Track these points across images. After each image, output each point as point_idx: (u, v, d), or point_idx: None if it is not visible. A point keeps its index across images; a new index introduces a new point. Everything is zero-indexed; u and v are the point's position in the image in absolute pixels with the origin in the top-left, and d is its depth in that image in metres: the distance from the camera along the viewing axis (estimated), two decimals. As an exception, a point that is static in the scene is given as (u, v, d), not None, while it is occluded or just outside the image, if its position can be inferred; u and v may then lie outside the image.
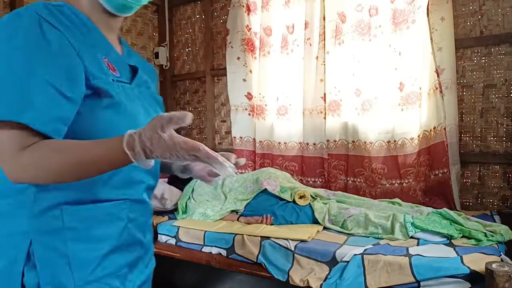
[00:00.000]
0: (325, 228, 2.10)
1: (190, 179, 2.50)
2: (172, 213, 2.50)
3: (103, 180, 0.75)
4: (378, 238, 1.91)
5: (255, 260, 1.92)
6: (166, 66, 3.86)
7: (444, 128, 2.55)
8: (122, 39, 0.94)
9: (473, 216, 2.09)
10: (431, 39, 2.55)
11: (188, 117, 0.60)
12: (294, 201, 2.27)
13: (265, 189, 2.34)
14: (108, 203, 0.78)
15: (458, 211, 2.31)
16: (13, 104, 0.64)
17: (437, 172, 2.59)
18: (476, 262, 1.50)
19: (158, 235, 2.26)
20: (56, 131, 0.67)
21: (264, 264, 1.90)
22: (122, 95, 0.77)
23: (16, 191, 0.73)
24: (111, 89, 0.75)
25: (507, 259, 1.54)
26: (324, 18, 2.89)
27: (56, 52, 0.68)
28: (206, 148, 0.61)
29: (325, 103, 2.91)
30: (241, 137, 3.32)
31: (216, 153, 0.64)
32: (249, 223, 2.20)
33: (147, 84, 0.90)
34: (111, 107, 0.75)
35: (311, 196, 2.31)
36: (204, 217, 2.32)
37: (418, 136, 2.57)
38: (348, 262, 1.69)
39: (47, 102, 0.66)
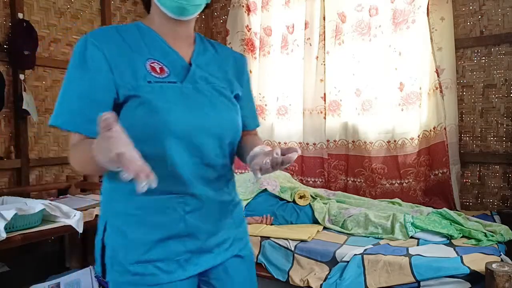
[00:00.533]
0: (325, 228, 2.10)
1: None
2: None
3: (161, 175, 0.78)
4: (378, 238, 1.91)
5: (255, 260, 1.92)
6: (166, 66, 3.85)
7: (444, 128, 2.55)
8: (202, 40, 1.02)
9: (473, 216, 2.09)
10: (431, 39, 2.55)
11: (103, 117, 0.64)
12: (294, 201, 2.27)
13: (265, 189, 2.34)
14: (164, 196, 0.87)
15: (458, 211, 2.31)
16: (56, 111, 0.84)
17: (437, 172, 2.59)
18: (476, 262, 1.50)
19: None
20: (89, 131, 0.81)
21: (264, 264, 1.90)
22: (155, 94, 0.85)
23: (107, 179, 0.93)
24: (140, 91, 0.84)
25: (507, 259, 1.54)
26: (324, 18, 2.89)
27: (90, 68, 0.83)
28: (121, 133, 0.64)
29: (325, 103, 2.91)
30: (241, 137, 3.32)
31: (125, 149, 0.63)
32: (249, 223, 2.20)
33: (206, 80, 0.94)
34: (141, 106, 0.84)
35: (311, 196, 2.31)
36: (204, 217, 2.32)
37: (418, 136, 2.57)
38: (348, 262, 1.69)
39: (79, 108, 0.83)
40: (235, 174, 1.06)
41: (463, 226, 1.85)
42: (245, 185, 2.43)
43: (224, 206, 0.98)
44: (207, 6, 0.96)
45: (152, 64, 0.88)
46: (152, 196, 0.86)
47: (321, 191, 2.47)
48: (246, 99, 1.05)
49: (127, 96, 0.84)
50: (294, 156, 0.79)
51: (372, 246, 1.79)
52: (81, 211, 1.75)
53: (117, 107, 0.85)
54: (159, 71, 0.88)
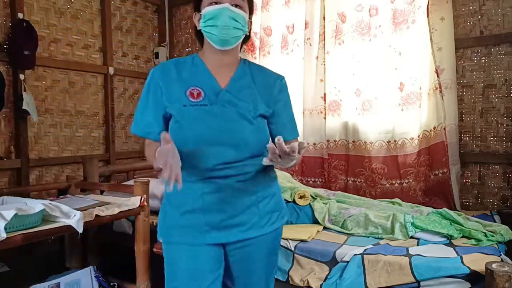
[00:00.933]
0: (325, 228, 2.10)
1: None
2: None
3: (190, 167, 1.17)
4: (378, 238, 1.91)
5: (255, 260, 1.92)
6: (166, 66, 3.86)
7: (444, 128, 2.55)
8: (244, 65, 1.29)
9: (473, 216, 2.09)
10: (431, 39, 2.55)
11: (163, 136, 1.01)
12: (294, 201, 2.27)
13: (265, 189, 2.33)
14: (190, 182, 1.19)
15: (458, 211, 2.31)
16: (133, 123, 1.28)
17: (437, 172, 2.59)
18: (476, 262, 1.50)
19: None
20: (150, 135, 1.23)
21: (264, 264, 1.89)
22: (186, 118, 1.18)
23: None
24: (176, 112, 1.19)
25: (507, 259, 1.54)
26: (324, 18, 2.89)
27: (151, 94, 1.23)
28: (172, 148, 1.01)
29: (325, 103, 2.91)
30: (241, 137, 3.32)
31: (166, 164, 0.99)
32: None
33: (232, 103, 1.21)
34: (175, 122, 1.20)
35: (311, 196, 2.31)
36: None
37: (418, 136, 2.57)
38: (348, 262, 1.69)
39: (143, 121, 1.24)
40: (271, 173, 1.31)
41: (463, 226, 1.85)
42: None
43: (245, 196, 1.22)
44: (248, 36, 1.28)
45: (192, 91, 1.20)
46: (183, 183, 1.12)
47: (321, 191, 2.47)
48: (280, 115, 1.29)
49: (170, 114, 1.21)
50: (295, 145, 0.96)
51: (372, 246, 1.79)
52: (81, 211, 1.74)
53: (168, 120, 1.22)
54: (196, 96, 1.20)
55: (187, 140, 1.15)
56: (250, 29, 1.28)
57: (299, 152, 0.99)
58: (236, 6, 1.19)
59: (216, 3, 1.19)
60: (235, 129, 1.19)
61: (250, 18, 1.26)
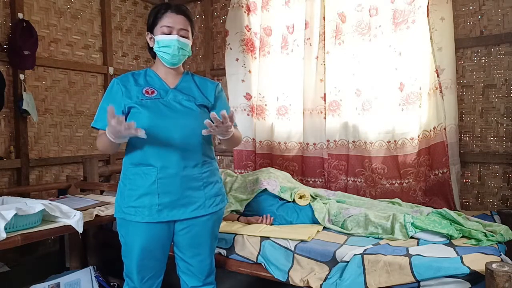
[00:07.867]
0: (325, 228, 2.10)
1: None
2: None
3: (142, 154, 1.45)
4: (378, 238, 1.91)
5: (255, 260, 1.92)
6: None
7: (444, 128, 2.55)
8: (187, 74, 1.64)
9: (473, 216, 2.08)
10: (431, 39, 2.55)
11: (110, 109, 1.24)
12: (294, 201, 2.27)
13: (265, 189, 2.33)
14: (146, 167, 1.45)
15: (458, 211, 2.31)
16: (95, 118, 1.51)
17: (437, 172, 2.59)
18: (476, 262, 1.49)
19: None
20: (106, 128, 1.36)
21: (264, 264, 1.89)
22: (143, 106, 1.45)
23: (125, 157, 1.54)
24: (135, 103, 1.46)
25: (507, 259, 1.54)
26: (324, 18, 2.89)
27: (113, 95, 1.50)
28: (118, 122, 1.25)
29: (325, 103, 2.91)
30: (241, 137, 3.32)
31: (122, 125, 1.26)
32: (249, 223, 2.20)
33: (177, 97, 1.52)
34: (135, 111, 1.46)
35: (311, 196, 2.30)
36: (204, 217, 2.31)
37: (418, 136, 2.57)
38: (348, 262, 1.69)
39: (103, 117, 1.39)
40: (214, 164, 1.59)
41: (463, 226, 1.85)
42: (245, 185, 2.43)
43: (191, 180, 1.48)
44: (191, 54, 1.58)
45: (147, 90, 1.51)
46: (139, 168, 1.46)
47: (321, 191, 2.47)
48: (219, 107, 1.59)
49: (129, 107, 1.47)
50: (224, 112, 1.29)
51: (372, 246, 1.79)
52: (81, 211, 1.74)
53: (127, 114, 1.47)
54: (150, 93, 1.51)
55: (142, 126, 1.36)
56: (193, 46, 1.61)
57: (231, 120, 1.32)
58: (183, 36, 1.51)
59: (167, 33, 1.48)
60: (182, 115, 1.48)
61: (192, 37, 1.57)
